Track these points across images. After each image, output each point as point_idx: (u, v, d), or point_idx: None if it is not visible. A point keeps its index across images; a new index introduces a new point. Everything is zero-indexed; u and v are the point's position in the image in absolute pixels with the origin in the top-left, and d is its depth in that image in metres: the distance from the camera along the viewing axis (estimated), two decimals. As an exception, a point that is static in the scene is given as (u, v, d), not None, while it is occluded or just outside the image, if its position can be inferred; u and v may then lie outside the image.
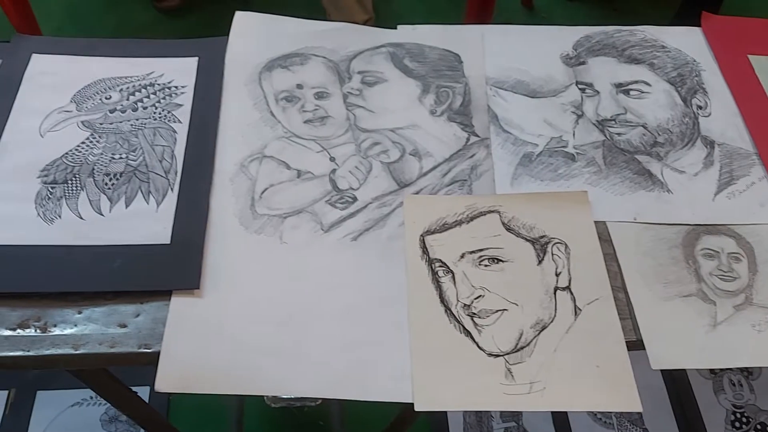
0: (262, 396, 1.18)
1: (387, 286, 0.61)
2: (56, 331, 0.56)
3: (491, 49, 0.81)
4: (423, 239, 0.63)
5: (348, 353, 0.57)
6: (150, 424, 0.83)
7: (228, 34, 0.80)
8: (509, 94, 0.77)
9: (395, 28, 0.83)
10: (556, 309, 0.59)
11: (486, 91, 0.76)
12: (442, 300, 0.59)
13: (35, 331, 0.56)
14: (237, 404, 1.15)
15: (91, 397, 1.19)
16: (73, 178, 0.65)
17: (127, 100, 0.72)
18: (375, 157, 0.70)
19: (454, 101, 0.76)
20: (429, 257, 0.62)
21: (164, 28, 1.71)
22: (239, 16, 0.82)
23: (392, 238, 0.64)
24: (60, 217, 0.62)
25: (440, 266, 0.61)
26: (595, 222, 0.66)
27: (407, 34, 0.83)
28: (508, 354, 0.56)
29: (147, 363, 0.56)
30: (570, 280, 0.61)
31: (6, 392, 1.19)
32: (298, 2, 1.80)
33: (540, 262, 0.62)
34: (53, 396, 1.19)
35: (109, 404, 1.19)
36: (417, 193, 0.67)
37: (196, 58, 0.77)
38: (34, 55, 0.75)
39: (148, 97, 0.72)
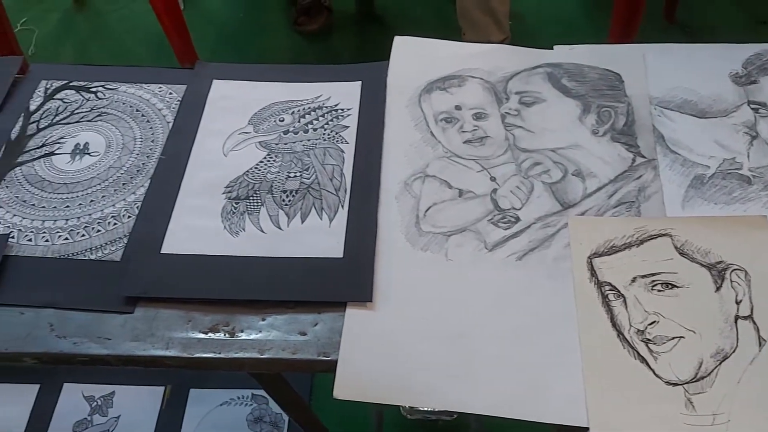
0: (399, 407, 1.21)
1: (555, 307, 0.61)
2: (243, 336, 0.61)
3: (654, 68, 0.79)
4: (591, 261, 0.63)
5: (519, 373, 0.57)
6: (312, 428, 0.87)
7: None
8: (676, 114, 0.74)
9: (551, 48, 0.83)
10: (737, 338, 0.57)
11: (650, 111, 0.75)
12: (614, 324, 0.58)
13: (224, 335, 0.61)
14: (377, 413, 1.18)
15: (239, 398, 1.27)
16: (254, 195, 0.70)
17: (299, 122, 0.77)
18: (536, 177, 0.70)
19: (616, 121, 0.75)
20: (598, 280, 0.61)
21: (305, 50, 1.80)
22: (398, 40, 0.85)
23: (558, 259, 0.64)
24: (244, 230, 0.67)
25: (610, 290, 0.60)
26: (778, 249, 0.62)
27: (564, 54, 0.83)
28: (687, 383, 0.55)
29: (326, 370, 0.59)
30: (752, 309, 0.58)
31: (162, 389, 1.29)
32: (432, 23, 1.85)
33: (718, 288, 0.60)
34: (204, 394, 1.27)
35: (255, 405, 1.26)
36: (582, 214, 0.67)
37: (360, 82, 0.80)
38: (214, 81, 0.82)
39: (317, 119, 0.77)
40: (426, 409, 1.21)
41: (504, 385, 0.57)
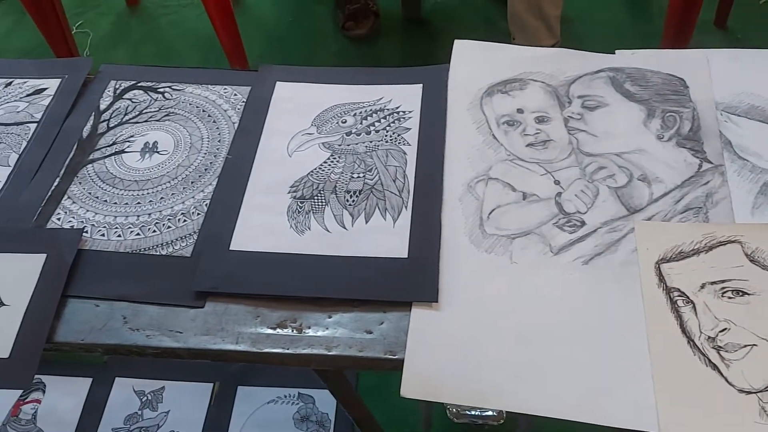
0: (445, 410, 1.21)
1: (622, 311, 0.60)
2: (310, 333, 0.62)
3: (719, 74, 0.78)
4: (659, 267, 0.62)
5: (587, 377, 0.57)
6: (369, 428, 0.88)
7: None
8: (743, 119, 0.73)
9: (613, 53, 0.83)
10: (814, 349, 0.56)
11: (716, 117, 0.74)
12: (684, 331, 0.58)
13: (292, 331, 0.62)
14: (425, 415, 1.18)
15: (285, 396, 1.28)
16: (319, 194, 0.71)
17: (361, 123, 0.78)
18: (601, 182, 0.70)
19: (682, 126, 0.74)
20: (666, 286, 0.61)
21: (353, 54, 1.82)
22: (458, 44, 0.85)
23: (625, 263, 0.63)
24: (309, 229, 0.68)
25: (679, 296, 0.60)
26: None
27: (625, 58, 0.82)
28: (761, 392, 0.54)
29: (392, 369, 0.60)
30: (828, 319, 0.57)
31: (211, 385, 1.31)
32: (479, 28, 1.85)
33: (791, 297, 0.59)
34: (252, 392, 1.29)
35: (301, 404, 1.27)
36: (648, 219, 0.66)
37: (421, 85, 0.81)
38: (277, 83, 0.83)
39: (378, 121, 0.78)
40: (473, 413, 1.21)
41: (572, 388, 0.56)
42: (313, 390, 1.29)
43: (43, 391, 1.32)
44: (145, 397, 1.30)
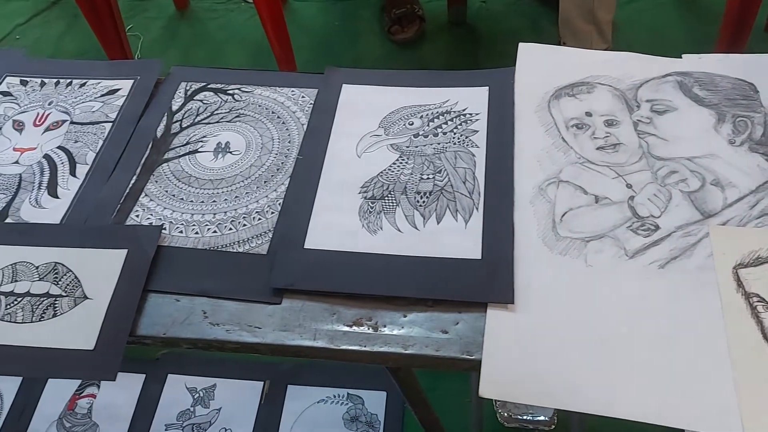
0: (496, 414, 1.21)
1: (700, 316, 0.60)
2: (386, 331, 0.63)
3: (790, 78, 0.77)
4: (736, 272, 0.62)
5: (665, 380, 0.57)
6: (433, 427, 0.89)
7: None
8: (818, 124, 0.73)
9: (679, 57, 0.83)
10: None
11: (791, 122, 0.73)
12: (765, 336, 0.57)
13: (368, 329, 0.63)
14: (476, 418, 1.18)
15: (335, 396, 1.29)
16: (389, 195, 0.72)
17: (428, 125, 0.78)
18: (674, 186, 0.70)
19: (754, 131, 0.73)
20: (745, 291, 0.60)
21: (399, 58, 1.83)
22: (523, 47, 0.86)
23: (701, 268, 0.63)
24: (381, 229, 0.69)
25: (758, 301, 0.59)
26: None
27: (693, 62, 0.82)
28: None
29: (468, 369, 0.61)
30: None
31: (261, 383, 1.33)
32: (525, 33, 1.84)
33: None
34: (301, 391, 1.31)
35: (350, 404, 1.28)
36: (723, 224, 0.66)
37: (486, 88, 0.82)
38: (344, 85, 0.85)
39: (446, 123, 0.78)
40: (524, 417, 1.21)
41: (651, 391, 0.56)
42: (361, 391, 1.30)
43: (98, 387, 1.35)
44: (197, 394, 1.32)
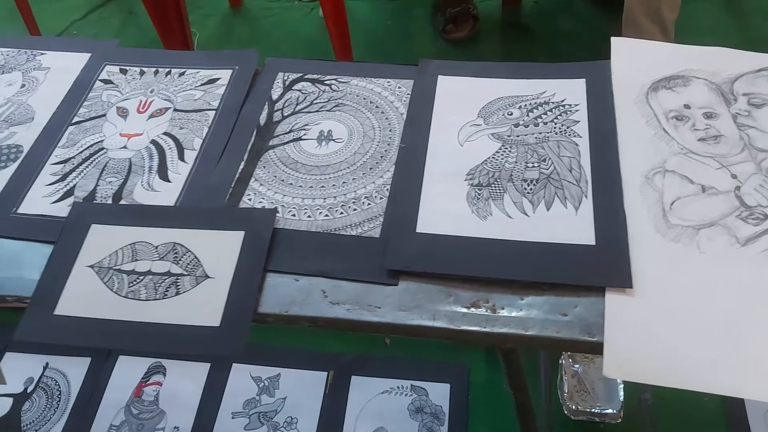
0: (562, 407, 1.22)
1: (820, 302, 0.61)
2: (504, 313, 0.64)
3: None
4: None
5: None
6: (525, 414, 0.90)
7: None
8: None
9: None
10: None
11: None
12: None
13: (486, 311, 0.64)
14: (546, 412, 1.19)
15: (398, 387, 1.31)
16: (495, 182, 0.73)
17: (527, 116, 0.80)
18: (780, 177, 0.71)
19: None
20: None
21: (452, 56, 1.84)
22: (617, 41, 0.87)
23: (816, 255, 0.64)
24: (491, 215, 0.71)
25: None
26: None
27: (785, 57, 0.83)
28: None
29: (587, 351, 0.62)
30: None
31: (325, 374, 1.34)
32: (578, 33, 1.85)
33: None
34: (365, 382, 1.32)
35: (414, 395, 1.29)
36: (835, 213, 0.67)
37: (584, 80, 0.83)
38: (439, 77, 0.86)
39: (545, 113, 0.80)
40: (591, 410, 1.21)
41: (778, 374, 0.57)
42: (424, 383, 1.32)
43: (164, 375, 1.37)
44: (262, 383, 1.34)
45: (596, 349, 0.61)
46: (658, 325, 0.61)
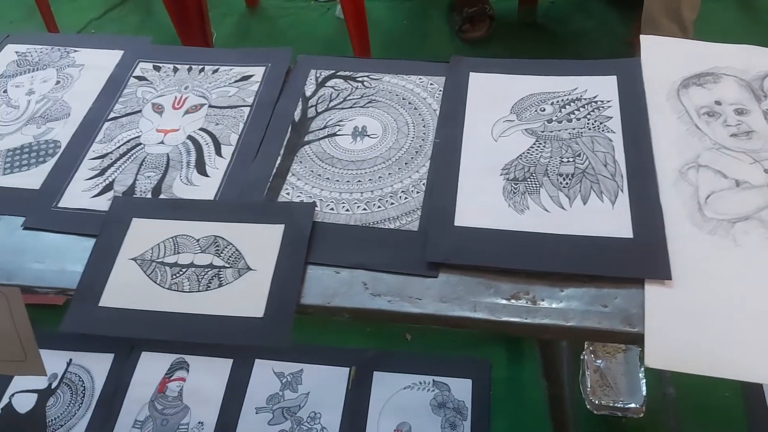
0: (584, 402, 1.23)
1: None
2: (545, 305, 0.65)
3: None
4: None
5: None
6: (558, 406, 0.91)
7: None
8: None
9: None
10: None
11: None
12: None
13: (526, 302, 0.65)
14: (570, 406, 1.20)
15: (420, 383, 1.31)
16: (531, 177, 0.74)
17: (560, 112, 0.81)
18: (813, 172, 0.72)
19: None
20: None
21: (468, 56, 1.85)
22: (646, 39, 0.88)
23: None
24: (528, 208, 0.72)
25: None
26: None
27: (814, 55, 0.84)
28: None
29: (628, 341, 0.63)
30: None
31: (347, 369, 1.36)
32: (594, 33, 1.86)
33: None
34: (387, 377, 1.33)
35: (436, 391, 1.30)
36: None
37: (615, 77, 0.84)
38: (471, 73, 0.87)
39: (578, 109, 0.81)
40: (614, 404, 1.22)
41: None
42: (446, 378, 1.33)
43: (187, 370, 1.38)
44: (285, 379, 1.35)
45: (636, 339, 0.62)
46: (698, 315, 0.62)
